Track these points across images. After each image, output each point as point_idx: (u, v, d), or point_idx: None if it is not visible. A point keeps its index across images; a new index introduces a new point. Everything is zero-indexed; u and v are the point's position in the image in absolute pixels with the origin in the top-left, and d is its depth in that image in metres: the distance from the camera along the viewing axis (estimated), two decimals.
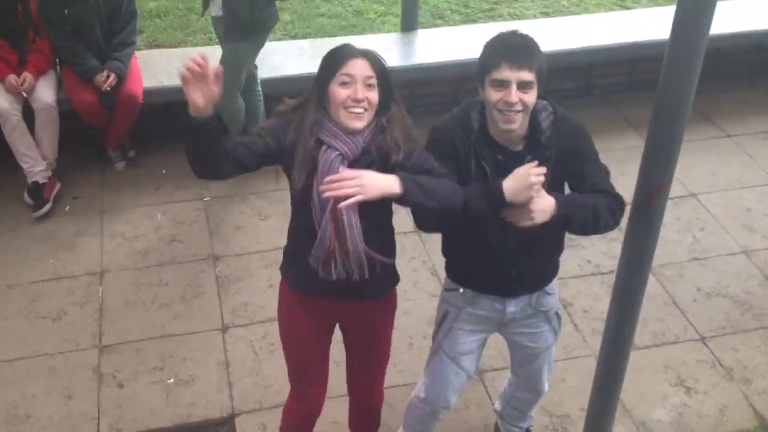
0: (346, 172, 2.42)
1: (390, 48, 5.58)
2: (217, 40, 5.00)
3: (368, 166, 2.54)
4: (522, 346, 3.09)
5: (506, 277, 2.86)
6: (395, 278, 2.91)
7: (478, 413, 3.68)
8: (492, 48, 2.60)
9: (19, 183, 4.91)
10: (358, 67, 2.53)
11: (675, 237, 4.72)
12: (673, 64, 2.56)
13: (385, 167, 2.55)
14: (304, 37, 6.01)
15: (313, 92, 2.63)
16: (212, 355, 3.97)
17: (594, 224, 2.73)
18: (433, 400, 3.15)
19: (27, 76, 4.70)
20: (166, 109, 5.39)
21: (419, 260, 4.47)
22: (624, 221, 2.91)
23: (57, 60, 4.95)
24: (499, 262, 2.83)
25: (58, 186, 4.95)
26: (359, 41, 5.88)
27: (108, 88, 4.76)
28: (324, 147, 2.57)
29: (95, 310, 4.21)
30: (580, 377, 3.78)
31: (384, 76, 2.59)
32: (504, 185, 2.56)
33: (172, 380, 3.84)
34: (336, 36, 6.04)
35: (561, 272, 4.31)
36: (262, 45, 4.89)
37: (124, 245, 4.64)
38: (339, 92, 2.52)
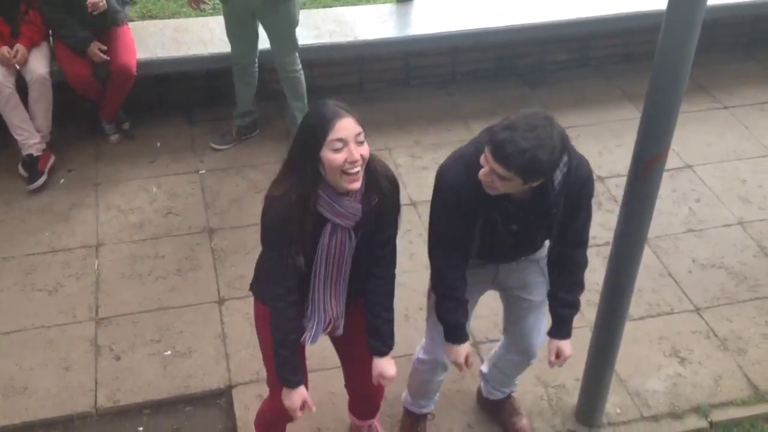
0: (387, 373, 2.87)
1: (385, 19, 5.55)
2: (210, 11, 4.94)
3: (366, 225, 2.63)
4: (516, 298, 3.12)
5: (500, 260, 2.99)
6: None
7: (473, 384, 3.70)
8: (503, 120, 2.51)
9: (13, 156, 4.89)
10: (347, 127, 2.44)
11: (670, 208, 4.72)
12: (670, 35, 2.55)
13: (376, 222, 2.66)
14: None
15: (296, 165, 2.53)
16: (209, 327, 3.99)
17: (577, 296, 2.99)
18: (430, 359, 3.20)
19: (20, 48, 4.66)
20: (160, 81, 5.39)
21: (415, 233, 4.48)
22: (620, 192, 2.91)
23: (50, 32, 4.91)
24: (493, 256, 2.96)
25: (52, 158, 4.93)
26: (355, 12, 5.89)
27: (99, 8, 4.65)
28: (328, 225, 2.58)
29: (91, 283, 4.21)
30: (576, 348, 3.76)
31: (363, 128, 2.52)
32: (454, 348, 2.93)
33: (169, 352, 3.86)
34: (331, 7, 5.99)
35: None
36: None
37: (120, 218, 4.64)
38: (335, 158, 2.44)
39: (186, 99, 5.51)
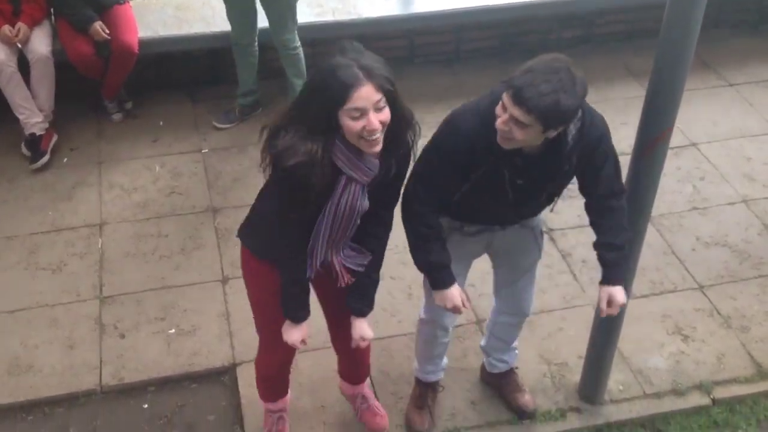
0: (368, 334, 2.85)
1: None
2: None
3: (380, 180, 2.59)
4: (508, 262, 3.12)
5: (501, 220, 2.95)
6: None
7: (477, 361, 3.71)
8: (522, 66, 2.45)
9: (16, 135, 4.89)
10: (367, 97, 2.34)
11: (675, 187, 4.71)
12: (675, 11, 2.54)
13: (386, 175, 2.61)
14: None
15: (317, 118, 2.40)
16: (213, 305, 4.00)
17: (627, 237, 2.86)
18: (429, 319, 3.22)
19: (22, 26, 4.64)
20: (162, 60, 5.36)
21: None
22: (624, 170, 2.90)
23: (51, 10, 4.89)
24: (493, 215, 2.90)
25: (55, 137, 4.92)
26: None
27: (105, 37, 4.70)
28: (344, 177, 2.51)
29: (95, 262, 4.22)
30: (578, 326, 3.81)
31: (391, 91, 2.41)
32: (443, 293, 2.83)
33: (173, 330, 3.87)
34: None
35: (560, 223, 4.38)
36: None
37: (123, 197, 4.64)
38: (353, 125, 2.37)
39: (188, 78, 5.49)
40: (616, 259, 2.84)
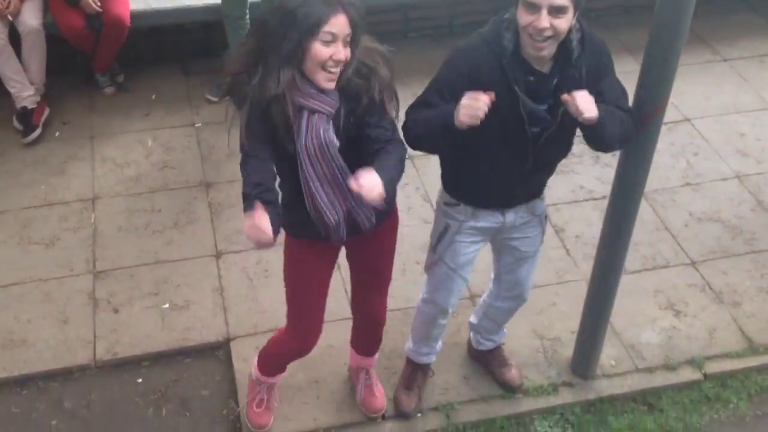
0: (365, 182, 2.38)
1: None
2: None
3: (347, 117, 2.52)
4: (513, 249, 3.11)
5: (510, 193, 2.89)
6: (393, 203, 2.89)
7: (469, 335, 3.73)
8: None
9: (7, 108, 4.86)
10: (341, 25, 2.38)
11: (668, 162, 4.71)
12: None
13: (353, 110, 2.54)
14: None
15: (283, 50, 2.40)
16: (207, 280, 4.00)
17: (619, 137, 2.67)
18: (437, 302, 3.22)
19: None
20: (154, 32, 5.32)
21: (412, 187, 4.47)
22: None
23: None
24: (507, 181, 2.83)
25: (47, 111, 4.89)
26: None
27: (96, 9, 4.66)
28: (305, 113, 2.49)
29: (88, 236, 4.21)
30: (571, 301, 3.82)
31: (360, 24, 2.44)
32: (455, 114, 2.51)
33: (167, 305, 3.87)
34: None
35: (554, 198, 4.38)
36: None
37: (116, 171, 4.62)
38: (321, 51, 2.38)
39: (181, 51, 5.45)
40: (611, 109, 2.65)
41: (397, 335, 3.67)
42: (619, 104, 2.71)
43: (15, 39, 4.66)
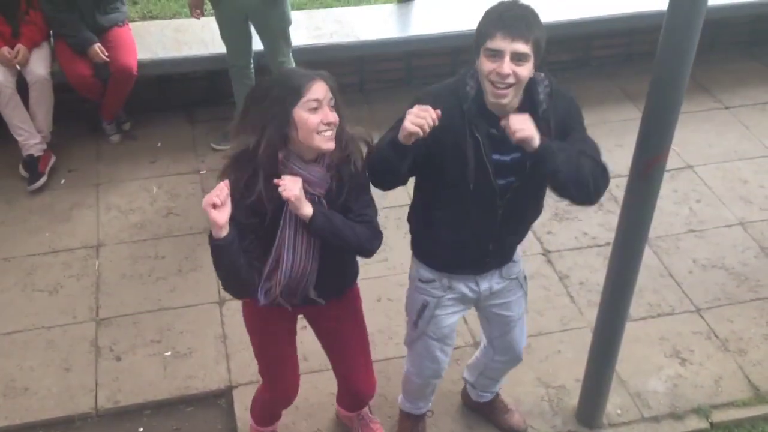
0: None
1: (386, 19, 5.55)
2: (211, 11, 4.94)
3: (336, 196, 2.60)
4: (499, 316, 3.10)
5: (484, 250, 2.83)
6: (353, 275, 2.94)
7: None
8: (489, 16, 2.52)
9: (14, 156, 4.89)
10: (321, 90, 2.48)
11: (671, 209, 4.72)
12: (671, 35, 2.55)
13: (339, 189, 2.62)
14: (300, 8, 5.96)
15: (262, 126, 2.48)
16: (210, 328, 3.98)
17: (576, 176, 2.57)
18: (424, 374, 3.19)
19: (21, 48, 4.66)
20: (161, 81, 5.39)
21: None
22: (620, 193, 2.90)
23: (50, 32, 4.91)
24: (479, 239, 2.80)
25: (53, 159, 4.93)
26: (356, 12, 5.89)
27: (104, 58, 4.73)
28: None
29: (92, 283, 4.21)
30: (576, 349, 3.80)
31: (336, 91, 2.55)
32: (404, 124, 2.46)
33: (169, 353, 3.85)
34: (332, 7, 5.98)
35: (557, 244, 4.38)
36: None
37: (120, 218, 4.64)
38: (310, 119, 2.46)
39: (187, 99, 5.50)
40: (562, 146, 2.60)
41: (401, 382, 3.64)
42: (589, 155, 2.68)
43: (23, 88, 4.72)
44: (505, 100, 2.53)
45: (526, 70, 2.50)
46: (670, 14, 2.52)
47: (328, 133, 2.49)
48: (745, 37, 6.24)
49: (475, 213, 2.73)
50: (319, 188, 2.58)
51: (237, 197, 2.51)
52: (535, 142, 2.50)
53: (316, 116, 2.46)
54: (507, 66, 2.47)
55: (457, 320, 3.09)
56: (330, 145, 2.51)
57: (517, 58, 2.47)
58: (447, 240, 2.83)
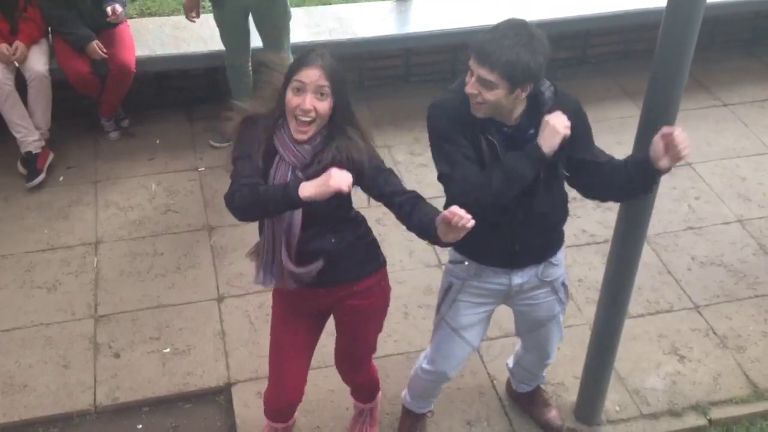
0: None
1: (385, 16, 5.54)
2: (209, 8, 4.93)
3: (321, 171, 2.54)
4: (526, 315, 3.10)
5: (511, 250, 2.84)
6: (376, 263, 2.91)
7: (473, 381, 3.71)
8: (482, 34, 2.53)
9: (12, 153, 4.89)
10: (311, 76, 2.50)
11: (670, 206, 4.72)
12: (670, 32, 2.55)
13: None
14: (298, 5, 5.95)
15: (271, 94, 2.64)
16: (208, 325, 3.98)
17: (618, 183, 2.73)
18: (434, 370, 3.17)
19: (19, 45, 4.65)
20: (159, 78, 5.38)
21: None
22: None
23: (49, 29, 4.90)
24: (503, 237, 2.81)
25: (51, 156, 4.92)
26: (354, 10, 5.88)
27: (119, 18, 4.73)
28: (278, 156, 2.62)
29: (90, 280, 4.21)
30: (575, 346, 3.80)
31: (339, 85, 2.55)
32: (539, 142, 2.56)
33: (168, 350, 3.85)
34: (331, 4, 5.98)
35: None
36: None
37: (119, 215, 4.63)
38: (290, 99, 2.53)
39: (185, 96, 5.50)
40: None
41: (401, 380, 3.64)
42: (600, 157, 2.76)
43: (21, 84, 4.71)
44: (478, 114, 2.59)
45: (491, 95, 2.52)
46: (669, 11, 2.52)
47: (304, 118, 2.52)
48: (744, 35, 6.24)
49: (494, 215, 2.71)
50: (294, 158, 2.60)
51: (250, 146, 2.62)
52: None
53: (296, 98, 2.51)
54: (471, 85, 2.53)
55: (479, 318, 3.04)
56: (300, 137, 2.56)
57: (482, 83, 2.50)
58: (476, 235, 2.79)
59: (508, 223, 2.76)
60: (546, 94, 2.64)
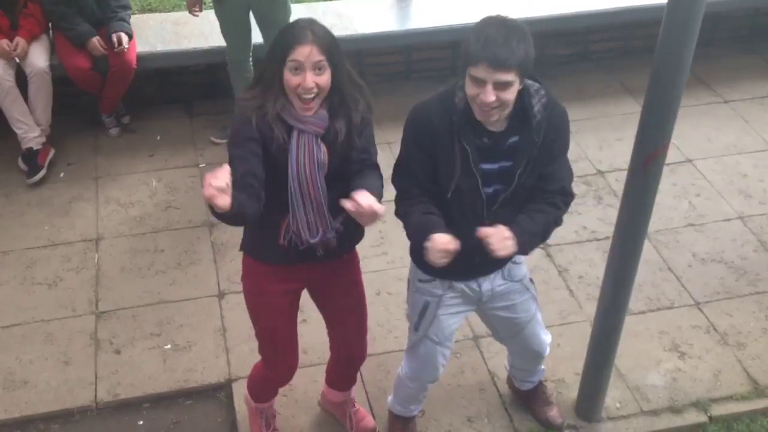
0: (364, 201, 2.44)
1: (386, 12, 5.54)
2: (210, 3, 4.93)
3: (335, 137, 2.61)
4: (505, 319, 3.08)
5: (471, 263, 2.78)
6: (360, 237, 2.95)
7: (473, 377, 3.71)
8: (475, 38, 2.49)
9: (12, 149, 4.89)
10: (306, 54, 2.50)
11: (671, 203, 4.72)
12: (671, 28, 2.55)
13: (347, 139, 2.66)
14: (299, 1, 5.95)
15: (268, 77, 2.60)
16: (209, 321, 3.99)
17: (544, 234, 2.76)
18: (422, 379, 3.18)
19: (19, 41, 4.65)
20: (160, 75, 5.38)
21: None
22: (620, 186, 2.90)
23: (49, 25, 4.90)
24: (464, 249, 2.69)
25: (52, 152, 4.93)
26: (355, 6, 5.87)
27: (125, 48, 4.75)
28: (296, 132, 2.60)
29: (91, 277, 4.21)
30: (575, 342, 3.80)
31: (333, 52, 2.56)
32: (432, 240, 2.55)
33: (169, 346, 3.86)
34: (332, 0, 5.97)
35: (557, 238, 4.38)
36: None
37: (120, 211, 4.63)
38: (290, 80, 2.53)
39: (186, 92, 5.50)
40: (526, 228, 2.67)
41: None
42: (562, 186, 2.76)
43: (21, 80, 4.71)
44: (492, 119, 2.57)
45: (510, 94, 2.50)
46: (669, 8, 2.52)
47: (307, 96, 2.53)
48: (745, 31, 6.23)
49: (460, 223, 2.69)
50: (316, 127, 2.61)
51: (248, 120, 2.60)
52: (512, 251, 2.59)
53: (296, 78, 2.51)
54: (490, 95, 2.47)
55: (459, 323, 3.07)
56: (306, 113, 2.57)
57: (500, 85, 2.47)
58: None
59: (466, 241, 2.65)
60: (536, 107, 2.62)
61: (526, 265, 3.07)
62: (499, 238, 2.56)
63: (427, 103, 2.70)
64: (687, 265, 4.34)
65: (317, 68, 2.52)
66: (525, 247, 2.65)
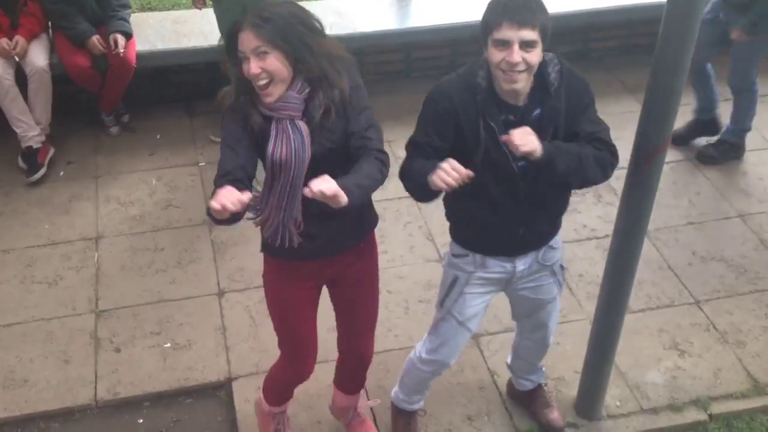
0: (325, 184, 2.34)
1: (386, 11, 5.54)
2: (210, 2, 4.93)
3: (312, 118, 2.56)
4: (527, 299, 3.09)
5: (515, 236, 2.83)
6: (373, 222, 2.91)
7: (473, 375, 3.71)
8: (493, 6, 2.53)
9: (12, 148, 4.89)
10: (244, 42, 2.47)
11: (671, 201, 4.72)
12: (671, 27, 2.55)
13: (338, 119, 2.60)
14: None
15: (236, 71, 2.59)
16: (209, 319, 3.99)
17: (578, 171, 2.65)
18: (439, 360, 3.17)
19: (19, 39, 4.65)
20: (160, 73, 5.38)
21: (415, 225, 4.47)
22: (620, 185, 2.90)
23: (49, 23, 4.90)
24: (507, 223, 2.80)
25: (52, 151, 4.93)
26: (355, 4, 5.86)
27: (120, 51, 4.74)
28: (274, 120, 2.57)
29: (91, 275, 4.21)
30: (575, 340, 3.80)
31: (287, 33, 2.49)
32: (448, 161, 2.49)
33: (169, 344, 3.86)
34: None
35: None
36: None
37: (120, 210, 4.64)
38: (243, 69, 2.50)
39: (186, 91, 5.50)
40: (558, 144, 2.64)
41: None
42: (597, 137, 2.72)
43: (21, 79, 4.71)
44: (518, 85, 2.56)
45: (535, 56, 2.51)
46: (669, 6, 2.52)
47: (261, 82, 2.49)
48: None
49: (500, 197, 2.73)
50: (289, 111, 2.55)
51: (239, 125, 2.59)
52: (537, 153, 2.53)
53: (246, 67, 2.49)
54: (516, 54, 2.48)
55: (483, 307, 3.06)
56: (267, 99, 2.52)
57: (526, 45, 2.48)
58: (479, 225, 2.85)
59: (514, 208, 2.75)
60: (552, 75, 2.63)
61: (561, 250, 3.07)
62: (522, 133, 2.53)
63: (448, 84, 2.69)
64: (687, 264, 4.34)
65: (259, 54, 2.47)
66: (553, 156, 2.57)
